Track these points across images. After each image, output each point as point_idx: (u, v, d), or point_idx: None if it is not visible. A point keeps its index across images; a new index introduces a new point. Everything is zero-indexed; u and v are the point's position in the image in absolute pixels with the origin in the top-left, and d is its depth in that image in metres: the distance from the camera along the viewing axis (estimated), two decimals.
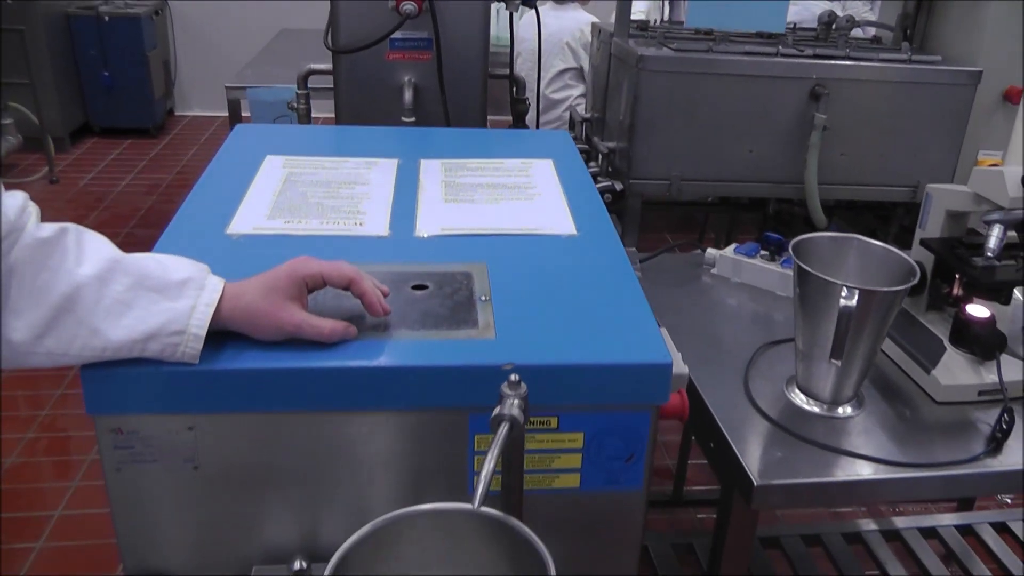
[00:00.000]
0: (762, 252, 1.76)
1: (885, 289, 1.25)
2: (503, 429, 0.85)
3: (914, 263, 1.31)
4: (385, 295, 1.08)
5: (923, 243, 1.51)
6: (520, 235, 1.32)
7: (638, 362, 1.04)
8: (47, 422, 2.86)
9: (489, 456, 0.82)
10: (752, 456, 1.25)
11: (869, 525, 2.36)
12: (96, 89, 5.48)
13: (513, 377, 0.89)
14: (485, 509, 0.81)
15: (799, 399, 1.39)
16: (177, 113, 6.14)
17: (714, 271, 1.80)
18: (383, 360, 1.00)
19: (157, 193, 4.78)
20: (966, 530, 2.39)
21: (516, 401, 0.87)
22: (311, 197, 1.41)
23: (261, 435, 1.04)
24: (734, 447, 1.26)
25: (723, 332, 1.61)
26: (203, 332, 0.97)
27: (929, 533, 2.37)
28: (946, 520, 2.43)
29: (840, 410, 1.37)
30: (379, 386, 1.01)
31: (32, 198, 0.97)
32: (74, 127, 5.43)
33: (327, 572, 0.76)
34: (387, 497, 1.09)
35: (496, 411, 0.87)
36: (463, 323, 1.08)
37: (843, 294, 1.22)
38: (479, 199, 1.44)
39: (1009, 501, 2.65)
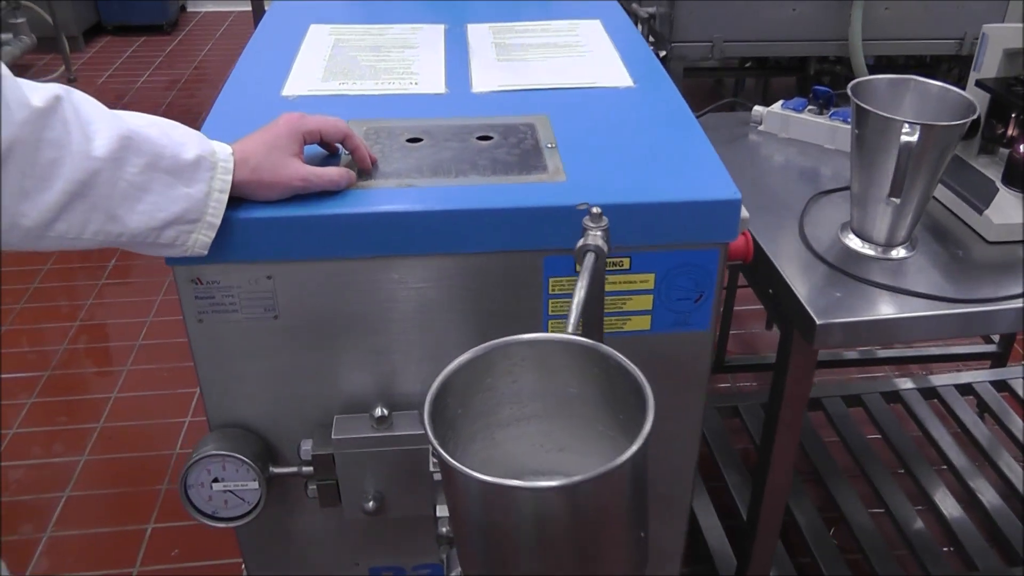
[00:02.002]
0: (810, 106, 1.74)
1: (945, 123, 1.24)
2: (589, 259, 0.87)
3: (972, 100, 1.31)
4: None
5: (979, 84, 1.50)
6: (578, 88, 1.32)
7: (708, 198, 1.05)
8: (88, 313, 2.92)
9: (578, 285, 0.84)
10: (811, 297, 1.26)
11: (906, 384, 2.39)
12: None
13: (595, 210, 0.90)
14: (578, 337, 0.82)
15: (854, 243, 1.39)
16: (189, 9, 6.03)
17: (761, 128, 1.78)
18: (458, 203, 1.02)
19: (176, 88, 4.74)
20: (1001, 386, 2.42)
21: (599, 232, 0.88)
22: (362, 61, 1.41)
23: (338, 282, 1.06)
24: (794, 289, 1.27)
25: (774, 185, 1.61)
26: (218, 221, 0.95)
27: (965, 390, 2.40)
28: (982, 376, 2.46)
29: (894, 252, 1.38)
30: (454, 229, 1.02)
31: None
32: (87, 26, 5.35)
33: (428, 401, 0.78)
34: (461, 342, 1.10)
35: (580, 243, 0.88)
36: (533, 168, 1.08)
37: (904, 130, 1.22)
38: (532, 58, 1.43)
39: None
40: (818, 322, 1.21)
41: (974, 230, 1.45)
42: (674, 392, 1.19)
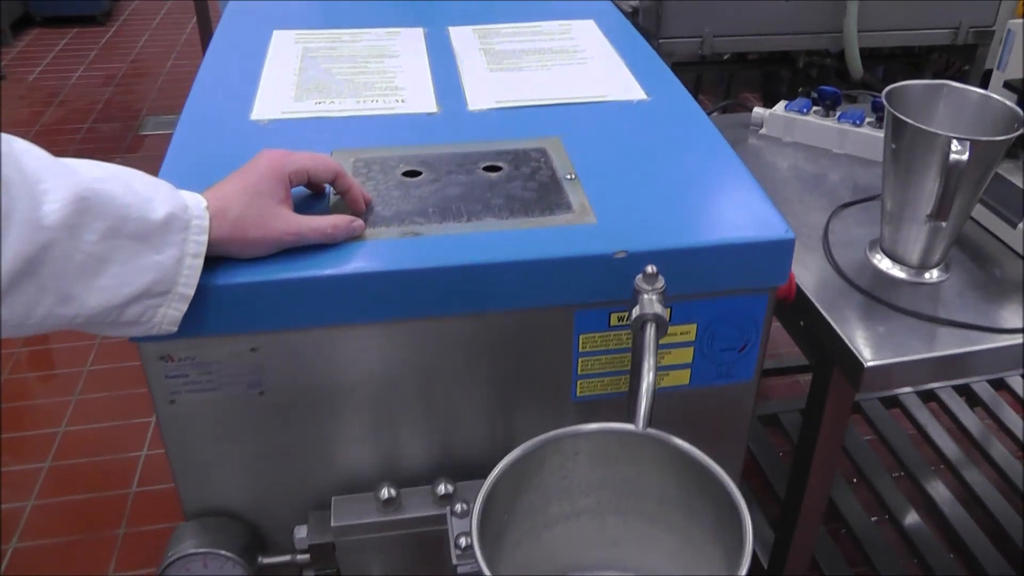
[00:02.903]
0: (815, 108, 1.62)
1: (1001, 138, 1.12)
2: (650, 331, 0.73)
3: (1017, 109, 1.19)
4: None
5: (1007, 85, 1.39)
6: (586, 103, 1.17)
7: (758, 239, 0.91)
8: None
9: (645, 365, 0.70)
10: (853, 333, 1.14)
11: (904, 388, 2.31)
12: None
13: (649, 269, 0.76)
14: (652, 431, 0.69)
15: (884, 263, 1.27)
16: None
17: (763, 131, 1.66)
18: (477, 255, 0.87)
19: (114, 84, 4.49)
20: (999, 384, 2.35)
21: (655, 296, 0.75)
22: (337, 74, 1.25)
23: (334, 351, 0.91)
24: (834, 325, 1.15)
25: (785, 197, 1.48)
26: (192, 292, 0.79)
27: (962, 390, 2.33)
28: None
29: (927, 275, 1.26)
30: (474, 287, 0.87)
31: None
32: (13, 18, 5.04)
33: (475, 521, 0.64)
34: (476, 411, 0.97)
35: (635, 311, 0.74)
36: (556, 206, 0.94)
37: (954, 148, 1.10)
38: (527, 66, 1.28)
39: None
40: (866, 364, 1.09)
41: (1007, 245, 1.34)
42: (712, 444, 1.05)
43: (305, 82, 1.22)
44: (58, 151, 0.72)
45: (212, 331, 0.86)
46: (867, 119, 1.57)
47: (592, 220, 0.92)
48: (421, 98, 1.18)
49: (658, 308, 0.74)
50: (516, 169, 1.01)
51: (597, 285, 0.88)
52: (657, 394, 0.98)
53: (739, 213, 0.94)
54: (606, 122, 1.13)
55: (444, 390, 0.95)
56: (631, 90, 1.21)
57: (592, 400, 0.98)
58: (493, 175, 1.00)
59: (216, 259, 0.83)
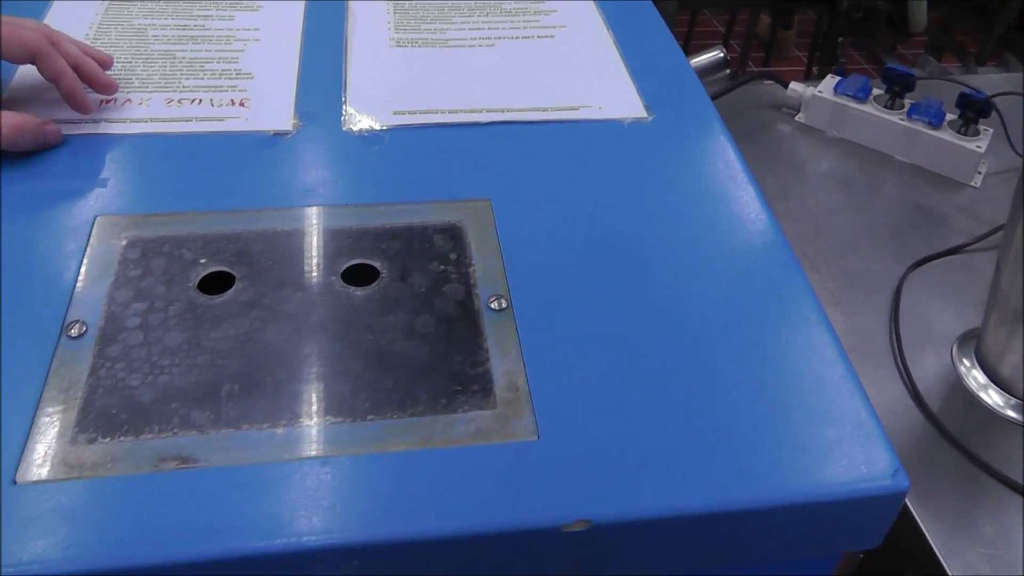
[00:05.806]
0: (876, 91, 1.16)
1: None
2: None
3: None
4: (105, 66, 0.69)
5: None
6: (544, 123, 0.71)
7: (841, 496, 0.47)
8: None
9: None
10: (944, 536, 0.72)
11: None
12: None
13: None
14: None
15: (978, 382, 0.84)
16: None
17: (800, 118, 1.20)
18: (282, 537, 0.43)
19: None
20: None
21: None
22: (154, 39, 0.77)
23: None
24: (925, 532, 0.72)
25: (827, 231, 1.04)
26: None
27: None
28: None
29: None
30: None
31: None
32: None
33: None
34: None
35: None
36: (462, 385, 0.49)
37: None
38: (457, 37, 0.81)
39: None
40: None
41: None
42: None
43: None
44: None
45: None
46: (947, 117, 1.12)
47: (530, 431, 0.47)
48: (273, 98, 0.71)
49: None
50: (403, 279, 0.56)
51: (532, 564, 0.45)
52: None
53: (810, 422, 0.50)
54: (574, 167, 0.67)
55: None
56: (621, 98, 0.74)
57: None
58: (359, 292, 0.55)
59: None
